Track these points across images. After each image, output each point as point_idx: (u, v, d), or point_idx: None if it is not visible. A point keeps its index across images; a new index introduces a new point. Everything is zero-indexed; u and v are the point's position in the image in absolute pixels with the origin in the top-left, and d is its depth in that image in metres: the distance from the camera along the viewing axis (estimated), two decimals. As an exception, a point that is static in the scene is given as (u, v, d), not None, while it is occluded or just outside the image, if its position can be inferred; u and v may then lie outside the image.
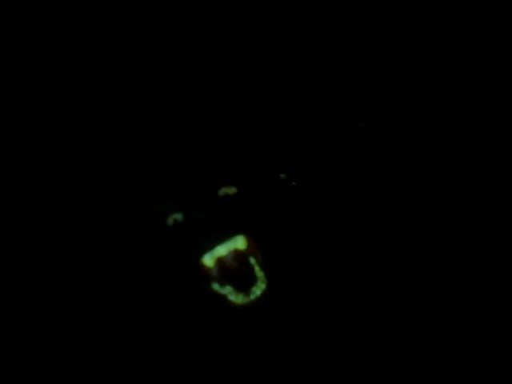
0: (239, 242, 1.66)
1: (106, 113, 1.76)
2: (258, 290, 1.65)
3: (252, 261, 1.67)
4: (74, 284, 1.70)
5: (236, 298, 1.64)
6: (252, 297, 1.64)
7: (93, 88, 1.76)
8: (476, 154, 1.86)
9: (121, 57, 1.78)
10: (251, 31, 1.85)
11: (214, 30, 1.83)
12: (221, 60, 1.82)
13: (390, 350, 1.72)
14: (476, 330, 1.72)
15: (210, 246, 1.63)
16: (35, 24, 1.76)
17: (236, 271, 1.65)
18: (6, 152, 1.74)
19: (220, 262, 1.64)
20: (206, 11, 1.83)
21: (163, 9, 1.81)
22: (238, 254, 1.66)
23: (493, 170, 1.84)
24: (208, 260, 1.63)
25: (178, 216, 1.67)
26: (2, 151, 1.73)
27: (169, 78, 1.80)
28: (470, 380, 1.67)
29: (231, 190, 1.71)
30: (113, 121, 1.76)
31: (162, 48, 1.79)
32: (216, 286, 1.65)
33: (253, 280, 1.66)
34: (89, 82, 1.77)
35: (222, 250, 1.64)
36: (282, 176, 1.79)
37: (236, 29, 1.84)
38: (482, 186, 1.84)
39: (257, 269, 1.67)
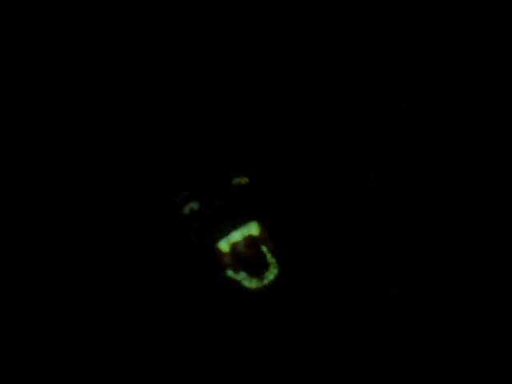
0: (253, 229, 1.72)
1: (125, 107, 1.83)
2: (271, 274, 1.71)
3: (264, 248, 1.74)
4: (96, 270, 1.76)
5: (250, 283, 1.70)
6: (265, 281, 1.70)
7: (112, 83, 1.83)
8: (475, 153, 1.90)
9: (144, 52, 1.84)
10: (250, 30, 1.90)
11: (216, 30, 1.89)
12: (233, 56, 1.89)
13: (393, 341, 1.78)
14: (476, 330, 1.76)
15: (225, 232, 1.69)
16: (35, 24, 1.81)
17: (249, 257, 1.71)
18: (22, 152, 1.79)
19: (234, 247, 1.71)
20: (205, 11, 1.89)
21: (163, 9, 1.87)
22: (251, 241, 1.72)
23: (492, 170, 1.89)
24: (224, 245, 1.70)
25: (194, 205, 1.74)
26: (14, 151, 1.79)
27: (185, 72, 1.87)
28: (470, 380, 1.71)
29: (244, 180, 1.78)
30: (132, 115, 1.84)
31: (176, 46, 1.86)
32: (230, 273, 1.72)
33: (265, 266, 1.72)
34: (109, 77, 1.84)
35: (236, 236, 1.70)
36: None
37: (239, 28, 1.89)
38: (481, 185, 1.89)
39: (269, 255, 1.73)
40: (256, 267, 1.71)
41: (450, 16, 1.90)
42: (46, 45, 1.83)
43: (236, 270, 1.71)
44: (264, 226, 1.75)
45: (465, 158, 1.90)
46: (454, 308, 1.79)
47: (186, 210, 1.75)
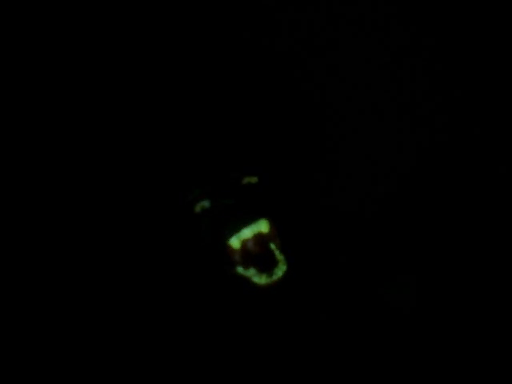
0: (263, 226, 1.77)
1: (139, 106, 1.88)
2: (280, 271, 1.76)
3: (272, 245, 1.79)
4: (109, 268, 1.82)
5: (260, 279, 1.75)
6: (275, 277, 1.75)
7: (125, 84, 1.88)
8: (475, 152, 1.93)
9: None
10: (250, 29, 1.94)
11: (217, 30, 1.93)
12: (246, 59, 1.93)
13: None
14: (476, 329, 1.78)
15: (236, 229, 1.74)
16: (35, 24, 1.82)
17: (259, 254, 1.76)
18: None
19: (245, 244, 1.76)
20: (203, 11, 1.92)
21: (161, 9, 1.90)
22: (261, 238, 1.77)
23: (492, 169, 1.91)
24: (235, 242, 1.75)
25: (206, 203, 1.80)
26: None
27: (199, 73, 1.91)
28: (470, 380, 1.72)
29: (253, 180, 1.84)
30: (145, 114, 1.89)
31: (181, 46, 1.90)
32: (240, 270, 1.76)
33: (274, 262, 1.76)
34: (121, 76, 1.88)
35: (247, 233, 1.75)
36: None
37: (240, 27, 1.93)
38: (479, 185, 1.91)
39: (277, 252, 1.78)
40: (265, 264, 1.76)
41: (450, 16, 1.94)
42: (47, 45, 1.85)
43: (246, 267, 1.76)
44: (273, 224, 1.80)
45: (463, 160, 1.94)
46: (454, 308, 1.81)
47: (198, 208, 1.81)
